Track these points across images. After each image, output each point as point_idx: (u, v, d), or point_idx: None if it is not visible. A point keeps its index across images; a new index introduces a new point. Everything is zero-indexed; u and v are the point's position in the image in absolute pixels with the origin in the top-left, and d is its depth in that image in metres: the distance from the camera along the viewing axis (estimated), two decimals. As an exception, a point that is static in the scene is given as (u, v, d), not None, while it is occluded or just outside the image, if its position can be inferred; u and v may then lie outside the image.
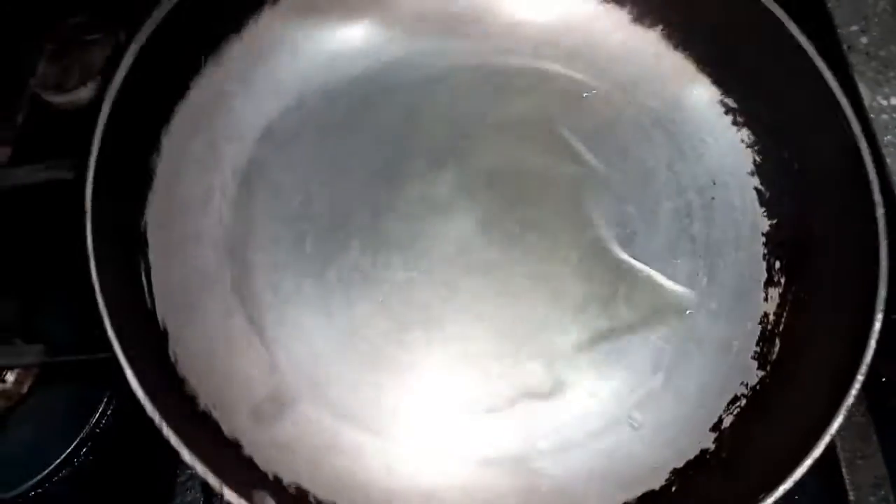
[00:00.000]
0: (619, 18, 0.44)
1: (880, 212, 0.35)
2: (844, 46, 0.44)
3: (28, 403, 0.40)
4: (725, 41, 0.42)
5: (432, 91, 0.43)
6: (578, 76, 0.44)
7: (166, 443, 0.29)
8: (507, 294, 0.39)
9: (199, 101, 0.39)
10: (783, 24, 0.38)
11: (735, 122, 0.42)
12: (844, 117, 0.37)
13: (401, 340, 0.37)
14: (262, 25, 0.41)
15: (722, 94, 0.43)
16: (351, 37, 0.43)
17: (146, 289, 0.34)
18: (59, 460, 0.38)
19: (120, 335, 0.30)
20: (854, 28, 0.45)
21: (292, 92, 0.42)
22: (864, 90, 0.41)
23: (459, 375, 0.37)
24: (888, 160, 0.39)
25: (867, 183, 0.36)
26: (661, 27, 0.43)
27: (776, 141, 0.41)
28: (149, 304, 0.34)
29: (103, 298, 0.30)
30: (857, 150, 0.37)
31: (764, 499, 0.30)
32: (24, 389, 0.40)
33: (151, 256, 0.35)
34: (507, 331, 0.38)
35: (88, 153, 0.33)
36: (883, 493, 0.36)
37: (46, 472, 0.37)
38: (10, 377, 0.40)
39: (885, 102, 0.41)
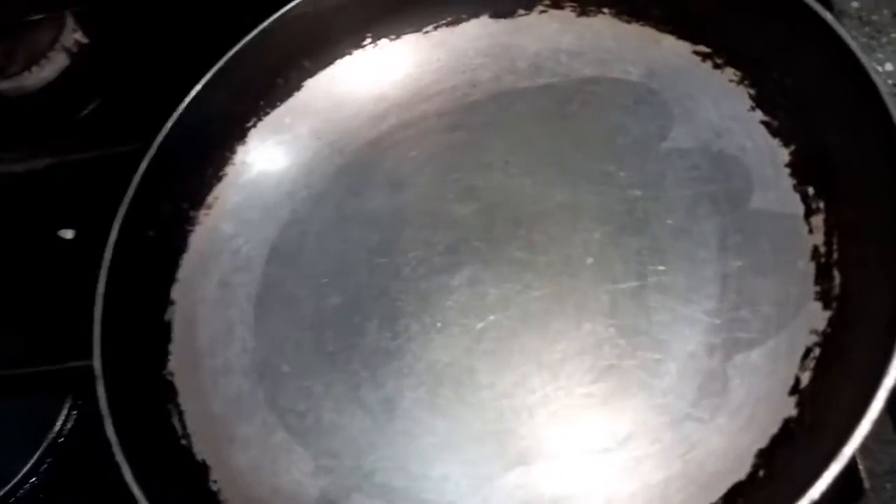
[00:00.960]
0: (565, 18, 0.43)
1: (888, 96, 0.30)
2: (835, 11, 0.40)
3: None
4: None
5: (411, 160, 0.43)
6: (548, 81, 0.43)
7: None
8: (531, 321, 0.37)
9: (200, 248, 0.42)
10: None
11: (716, 66, 0.39)
12: (818, 17, 0.33)
13: (434, 406, 0.36)
14: (239, 161, 0.44)
15: (692, 45, 0.40)
16: (321, 142, 0.45)
17: (180, 432, 0.36)
18: (19, 476, 0.36)
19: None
20: (845, -8, 0.42)
21: (284, 208, 0.44)
22: (857, 57, 0.37)
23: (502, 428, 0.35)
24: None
25: (864, 73, 0.31)
26: (606, 9, 0.42)
27: (762, 65, 0.37)
28: (185, 444, 0.36)
29: (134, 478, 0.32)
30: (842, 41, 0.32)
31: (833, 464, 0.25)
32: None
33: (182, 401, 0.37)
34: (537, 360, 0.36)
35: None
36: (901, 479, 0.30)
37: (7, 488, 0.36)
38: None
39: (879, 69, 0.36)
